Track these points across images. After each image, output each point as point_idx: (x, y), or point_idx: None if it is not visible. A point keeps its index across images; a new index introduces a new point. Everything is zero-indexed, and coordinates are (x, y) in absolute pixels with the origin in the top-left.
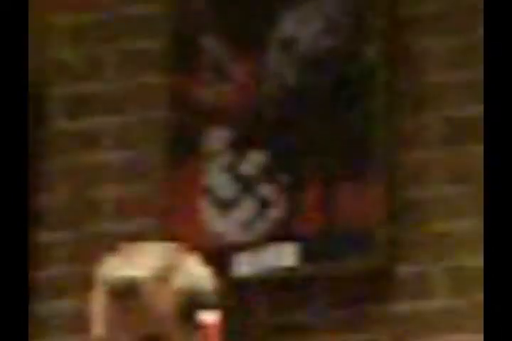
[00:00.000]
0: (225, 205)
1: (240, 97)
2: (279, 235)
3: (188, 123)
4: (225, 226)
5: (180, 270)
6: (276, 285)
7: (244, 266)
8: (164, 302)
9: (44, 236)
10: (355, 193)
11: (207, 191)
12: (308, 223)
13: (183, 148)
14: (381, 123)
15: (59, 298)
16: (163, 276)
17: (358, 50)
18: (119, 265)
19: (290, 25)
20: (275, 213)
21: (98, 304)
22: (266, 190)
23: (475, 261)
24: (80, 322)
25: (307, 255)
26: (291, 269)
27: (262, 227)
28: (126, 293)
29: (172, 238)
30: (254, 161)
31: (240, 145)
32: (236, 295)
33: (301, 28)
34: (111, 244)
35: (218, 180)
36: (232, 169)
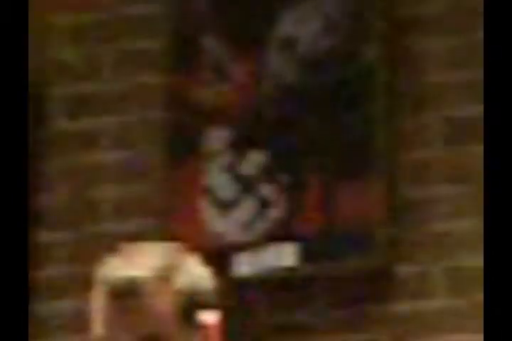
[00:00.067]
0: (225, 205)
1: (239, 97)
2: (279, 235)
3: (187, 123)
4: (225, 226)
5: (181, 270)
6: (276, 285)
7: (244, 266)
8: (164, 303)
9: (44, 236)
10: (355, 193)
11: (207, 191)
12: (308, 223)
13: (183, 148)
14: (381, 123)
15: (59, 298)
16: (163, 276)
17: (358, 50)
18: (120, 265)
19: (290, 25)
20: (275, 213)
21: (98, 304)
22: (266, 190)
23: (475, 261)
24: (80, 322)
25: (307, 255)
26: (291, 269)
27: (262, 227)
28: (126, 293)
29: (172, 238)
30: (254, 161)
31: (240, 145)
32: (236, 295)
33: (300, 28)
34: (111, 244)
35: (218, 180)
36: (232, 169)
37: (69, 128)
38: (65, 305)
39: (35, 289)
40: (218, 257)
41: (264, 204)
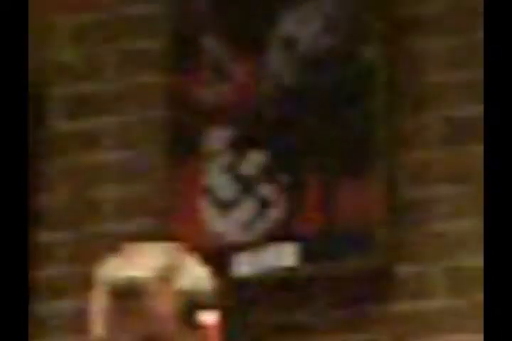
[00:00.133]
0: (225, 205)
1: (239, 97)
2: (279, 235)
3: (187, 123)
4: (225, 226)
5: (181, 270)
6: (276, 285)
7: (244, 266)
8: (165, 303)
9: (44, 236)
10: (355, 193)
11: (207, 191)
12: (308, 223)
13: (183, 148)
14: (381, 123)
15: (59, 298)
16: (164, 276)
17: (358, 50)
18: (120, 265)
19: (290, 25)
20: (275, 213)
21: (98, 304)
22: (266, 190)
23: (475, 261)
24: (80, 322)
25: (307, 255)
26: (291, 269)
27: (262, 227)
28: (127, 293)
29: (172, 238)
30: (254, 161)
31: (240, 145)
32: (236, 295)
33: (301, 28)
34: (111, 244)
35: (218, 180)
36: (232, 169)
37: (69, 128)
38: (65, 305)
39: (35, 289)
40: (218, 257)
41: (264, 204)
